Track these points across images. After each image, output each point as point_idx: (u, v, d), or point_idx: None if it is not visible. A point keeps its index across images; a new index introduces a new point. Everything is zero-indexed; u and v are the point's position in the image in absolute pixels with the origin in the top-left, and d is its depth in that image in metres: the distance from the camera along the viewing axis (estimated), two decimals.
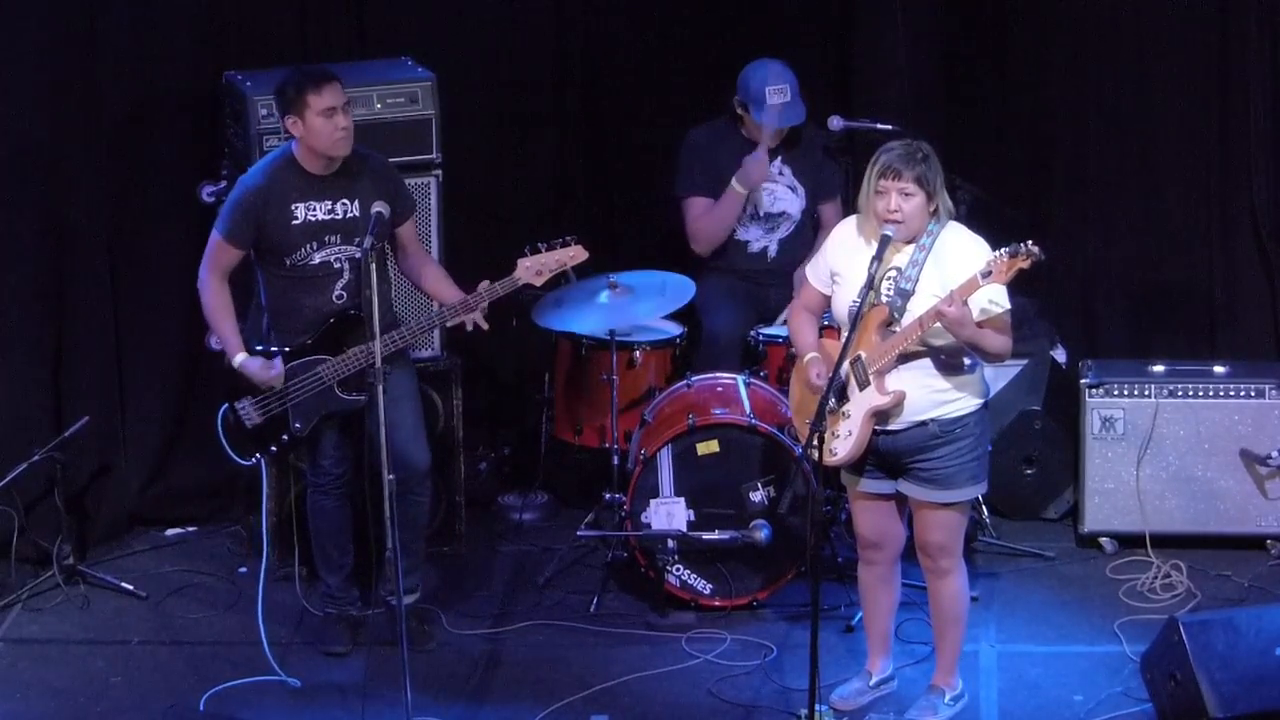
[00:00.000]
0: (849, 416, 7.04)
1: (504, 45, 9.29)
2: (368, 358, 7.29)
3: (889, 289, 6.98)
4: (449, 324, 7.65)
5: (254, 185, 7.52)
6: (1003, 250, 6.79)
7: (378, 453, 7.02)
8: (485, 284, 7.51)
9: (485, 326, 7.56)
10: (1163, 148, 9.19)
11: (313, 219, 7.53)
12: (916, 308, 6.93)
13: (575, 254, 7.58)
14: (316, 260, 7.56)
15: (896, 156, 6.93)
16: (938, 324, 6.86)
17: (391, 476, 7.01)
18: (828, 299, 7.20)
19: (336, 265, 7.58)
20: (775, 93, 8.57)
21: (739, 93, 8.66)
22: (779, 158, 8.73)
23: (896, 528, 7.31)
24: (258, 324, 7.67)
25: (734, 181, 8.60)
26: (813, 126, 8.75)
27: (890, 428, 7.04)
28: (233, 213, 7.52)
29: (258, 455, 7.65)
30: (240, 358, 7.52)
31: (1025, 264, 6.76)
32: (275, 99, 7.56)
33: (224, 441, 7.64)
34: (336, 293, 7.60)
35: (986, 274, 6.80)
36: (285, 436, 7.61)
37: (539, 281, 7.56)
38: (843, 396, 7.02)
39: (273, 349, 7.57)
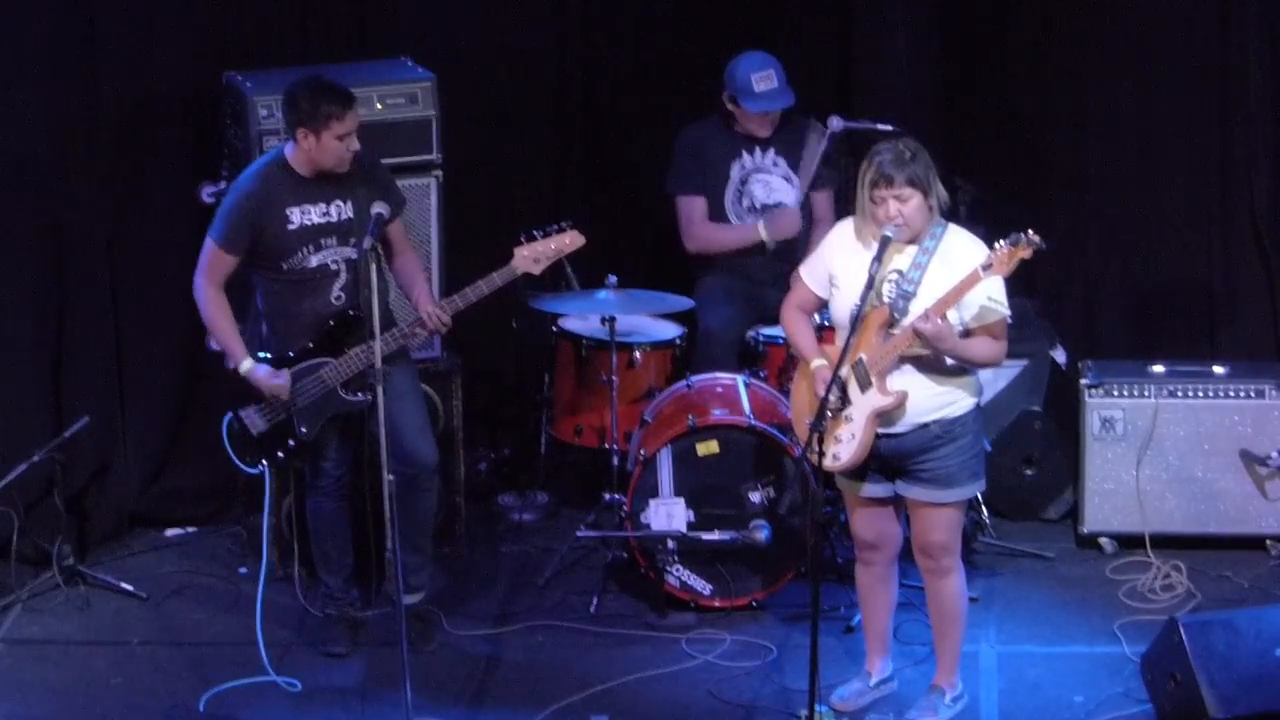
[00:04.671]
0: (851, 420, 7.03)
1: (504, 45, 9.29)
2: (369, 357, 7.28)
3: (891, 291, 6.96)
4: (416, 340, 7.64)
5: (248, 190, 7.49)
6: (1003, 240, 6.78)
7: (380, 452, 7.01)
8: (464, 292, 7.50)
9: (446, 324, 7.55)
10: (1163, 148, 9.19)
11: (308, 222, 7.52)
12: (919, 310, 6.91)
13: (572, 240, 7.56)
14: (313, 263, 7.55)
15: (886, 162, 6.90)
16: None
17: (391, 477, 7.01)
18: (821, 300, 7.19)
19: (334, 267, 7.57)
20: (761, 79, 8.60)
21: (726, 87, 8.69)
22: (772, 149, 8.75)
23: (894, 529, 7.31)
24: (257, 330, 7.67)
25: (761, 226, 8.63)
26: (806, 118, 8.75)
27: (893, 430, 7.03)
28: (228, 219, 7.49)
29: (264, 462, 7.65)
30: (247, 364, 7.50)
31: (1026, 253, 6.75)
32: (287, 106, 7.45)
33: (229, 450, 7.63)
34: (334, 294, 7.59)
35: (987, 265, 6.79)
36: (291, 442, 7.60)
37: (537, 270, 7.54)
38: (844, 399, 7.01)
39: (276, 356, 7.58)
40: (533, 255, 7.50)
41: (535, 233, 7.52)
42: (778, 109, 8.66)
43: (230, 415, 7.59)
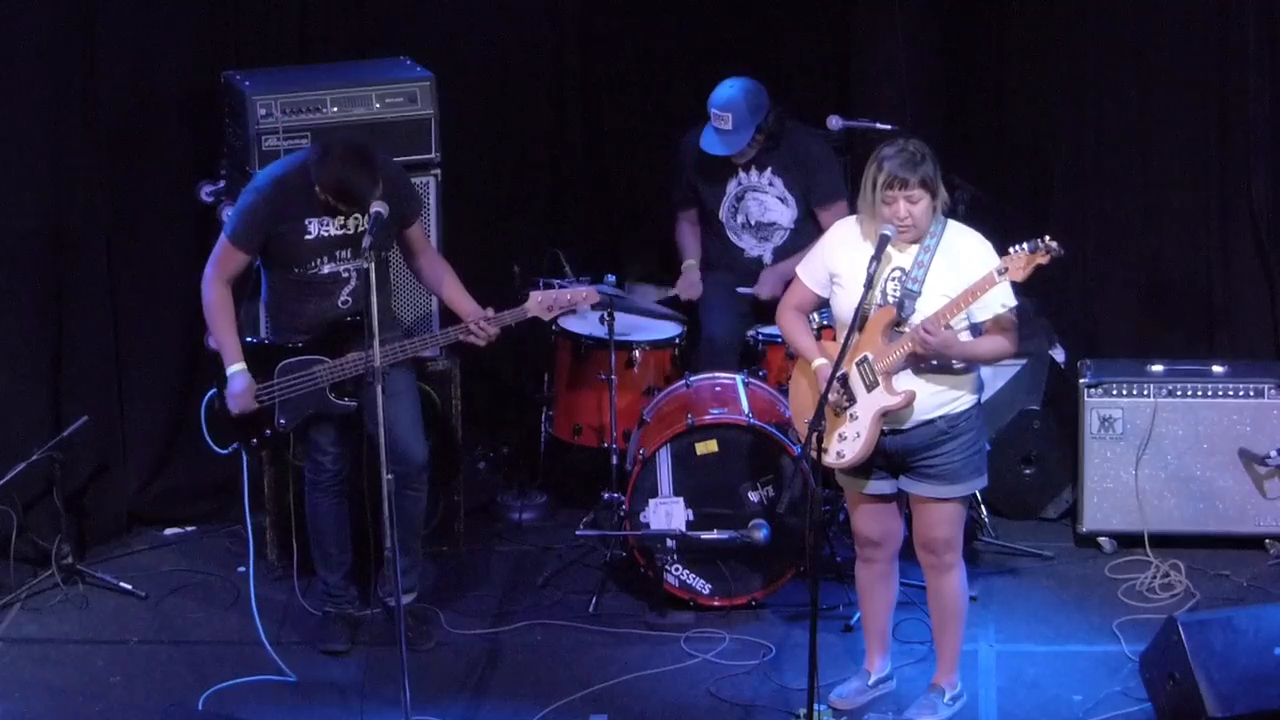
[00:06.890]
0: (856, 418, 7.03)
1: (504, 45, 9.30)
2: (365, 365, 7.27)
3: (895, 290, 6.96)
4: (460, 339, 7.65)
5: (269, 195, 7.46)
6: (1021, 245, 6.77)
7: (377, 452, 7.01)
8: (492, 312, 7.51)
9: (491, 338, 7.58)
10: (1162, 148, 9.18)
11: (325, 234, 7.50)
12: (925, 308, 6.91)
13: (587, 295, 7.67)
14: (325, 271, 7.54)
15: (899, 165, 6.88)
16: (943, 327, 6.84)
17: (390, 476, 7.01)
18: (821, 299, 7.19)
19: (345, 275, 7.56)
20: (717, 118, 8.55)
21: None
22: (769, 168, 8.70)
23: (896, 526, 7.31)
24: (253, 309, 7.65)
25: (687, 267, 8.72)
26: (806, 132, 8.71)
27: (899, 427, 7.02)
28: (244, 219, 7.47)
29: (236, 445, 7.64)
30: (236, 367, 7.49)
31: (1044, 260, 6.75)
32: (320, 160, 7.32)
33: (204, 426, 7.63)
34: (342, 299, 7.59)
35: (1003, 270, 6.79)
36: (268, 431, 7.59)
37: (548, 317, 7.62)
38: (849, 398, 7.01)
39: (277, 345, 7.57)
40: (546, 302, 7.58)
41: (554, 282, 7.66)
42: (714, 154, 8.58)
43: (213, 392, 7.59)
